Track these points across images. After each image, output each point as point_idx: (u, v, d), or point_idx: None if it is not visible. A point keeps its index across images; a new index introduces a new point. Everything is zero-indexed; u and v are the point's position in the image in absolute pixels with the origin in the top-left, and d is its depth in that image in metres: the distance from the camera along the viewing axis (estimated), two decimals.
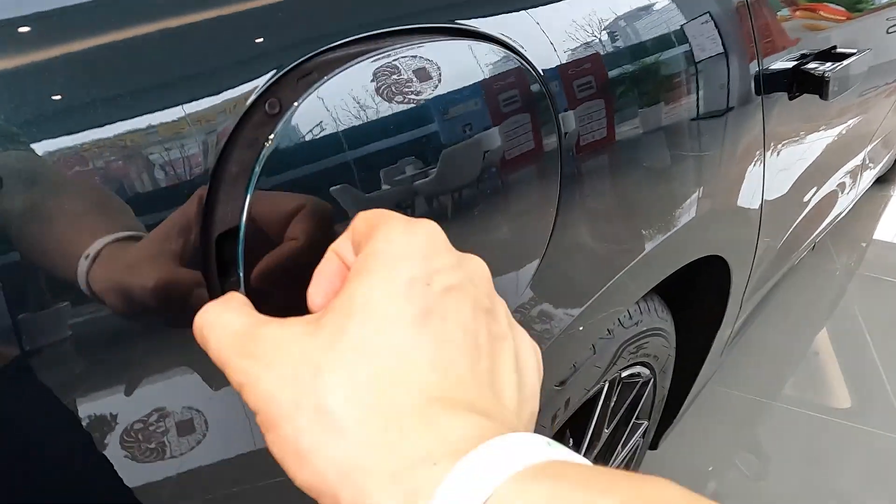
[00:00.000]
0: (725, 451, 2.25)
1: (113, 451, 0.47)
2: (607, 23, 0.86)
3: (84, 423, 0.46)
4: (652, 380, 1.58)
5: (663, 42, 0.97)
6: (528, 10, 0.76)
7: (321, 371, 0.34)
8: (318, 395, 0.33)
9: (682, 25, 1.02)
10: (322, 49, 0.55)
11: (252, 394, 0.35)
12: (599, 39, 0.83)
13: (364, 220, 0.40)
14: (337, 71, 0.54)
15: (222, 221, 0.51)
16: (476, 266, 0.41)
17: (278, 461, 0.35)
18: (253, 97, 0.51)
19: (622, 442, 1.64)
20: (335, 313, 0.36)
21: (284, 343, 0.36)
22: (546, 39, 0.76)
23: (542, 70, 0.75)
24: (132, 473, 0.49)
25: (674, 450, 2.08)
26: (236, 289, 0.47)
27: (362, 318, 0.35)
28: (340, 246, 0.42)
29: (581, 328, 1.00)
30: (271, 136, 0.52)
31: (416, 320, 0.35)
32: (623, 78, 0.87)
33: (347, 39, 0.56)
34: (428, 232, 0.39)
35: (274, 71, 0.52)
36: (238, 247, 0.48)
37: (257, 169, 0.52)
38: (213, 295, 0.48)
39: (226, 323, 0.38)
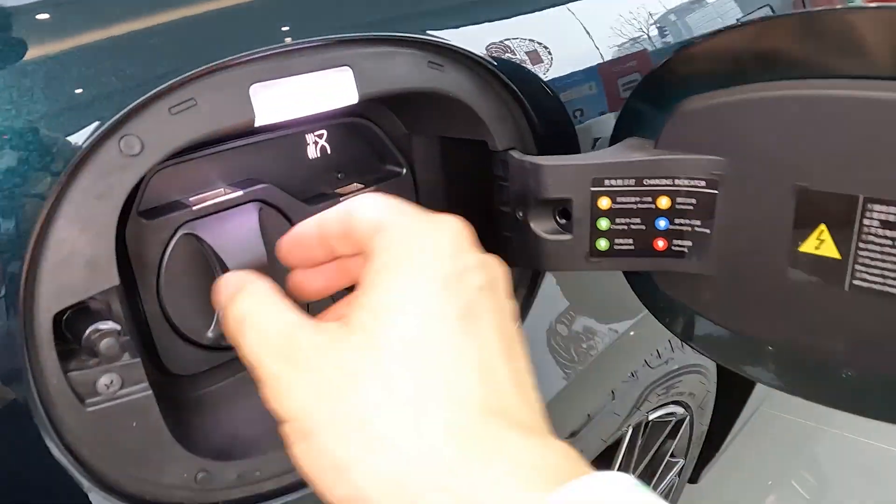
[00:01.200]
0: (779, 478, 2.07)
1: None
2: (657, 17, 0.76)
3: None
4: (688, 418, 1.42)
5: None
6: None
7: (360, 378, 0.32)
8: (358, 406, 0.32)
9: (738, 20, 0.92)
10: (206, 68, 0.42)
11: (284, 401, 0.34)
12: (647, 35, 0.73)
13: (377, 210, 0.37)
14: None
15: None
16: (497, 264, 0.39)
17: (307, 475, 0.33)
18: (94, 133, 0.38)
19: (653, 483, 1.48)
20: (366, 311, 0.34)
21: (320, 348, 0.34)
22: (586, 36, 0.65)
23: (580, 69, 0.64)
24: None
25: (718, 480, 1.91)
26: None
27: (400, 318, 0.33)
28: (325, 222, 0.40)
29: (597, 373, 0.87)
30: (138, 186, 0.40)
31: (458, 320, 0.34)
32: None
33: (244, 56, 0.43)
34: (454, 228, 0.37)
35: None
36: None
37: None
38: None
39: (265, 321, 0.36)
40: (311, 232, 0.41)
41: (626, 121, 0.63)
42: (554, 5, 0.67)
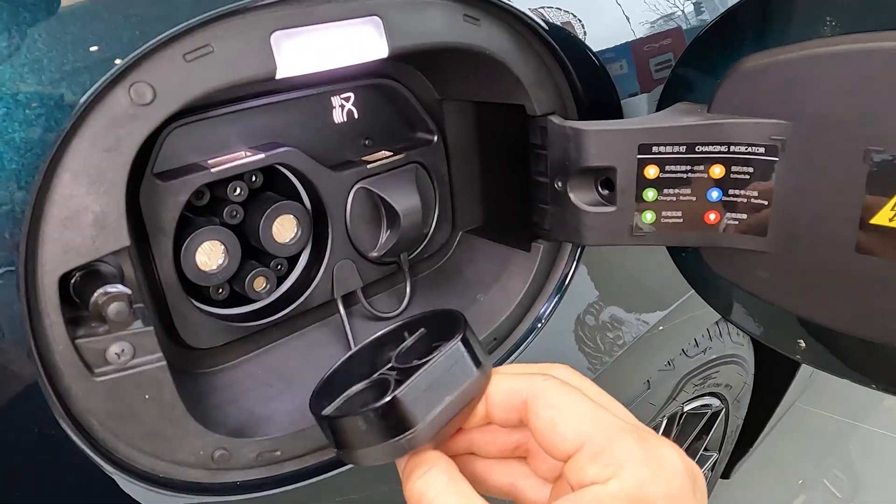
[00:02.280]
0: (812, 476, 2.00)
1: None
2: None
3: None
4: (724, 410, 1.36)
5: None
6: None
7: None
8: None
9: None
10: (224, 10, 0.38)
11: None
12: (682, 11, 0.68)
13: (577, 421, 0.35)
14: None
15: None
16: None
17: None
18: (104, 79, 0.35)
19: None
20: None
21: None
22: (619, 11, 0.61)
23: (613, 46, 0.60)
24: None
25: (749, 476, 1.86)
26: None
27: None
28: (495, 397, 0.38)
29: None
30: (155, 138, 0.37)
31: None
32: None
33: (266, 0, 0.40)
34: (680, 468, 0.33)
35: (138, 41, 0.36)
36: None
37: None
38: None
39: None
40: (508, 408, 0.38)
41: (674, 86, 0.58)
42: None
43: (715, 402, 1.31)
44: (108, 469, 0.40)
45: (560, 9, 0.57)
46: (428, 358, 0.36)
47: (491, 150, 0.64)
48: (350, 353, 0.44)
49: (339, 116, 0.57)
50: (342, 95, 0.56)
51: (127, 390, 0.40)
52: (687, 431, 1.32)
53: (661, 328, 0.82)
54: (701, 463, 1.46)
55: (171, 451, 0.43)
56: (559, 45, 0.54)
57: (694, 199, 0.54)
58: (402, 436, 0.35)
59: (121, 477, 0.41)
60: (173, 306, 0.49)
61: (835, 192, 0.49)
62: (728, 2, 0.79)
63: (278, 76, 0.42)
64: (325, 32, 0.43)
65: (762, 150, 0.51)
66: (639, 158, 0.54)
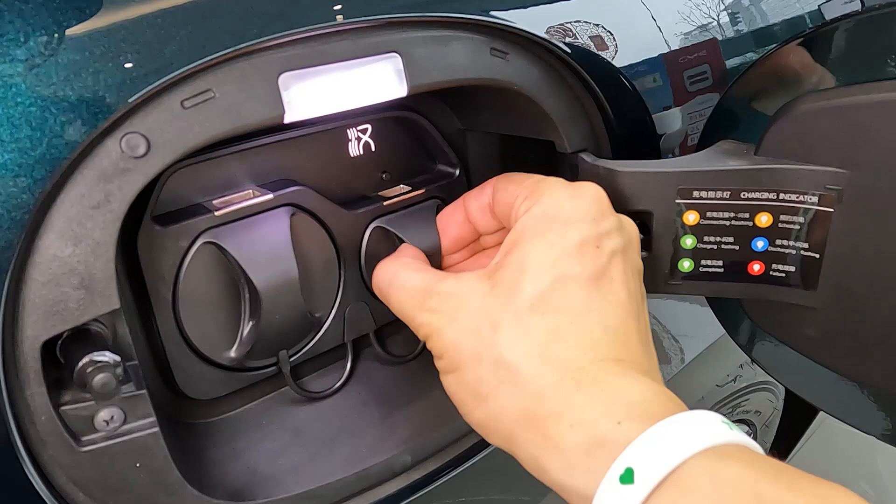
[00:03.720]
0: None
1: None
2: (728, 2, 0.67)
3: None
4: (752, 436, 1.31)
5: (795, 25, 0.75)
6: None
7: (500, 327, 0.37)
8: (497, 349, 0.37)
9: (819, 6, 0.81)
10: (225, 52, 0.35)
11: (438, 342, 0.40)
12: (718, 22, 0.64)
13: (519, 182, 0.43)
14: None
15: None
16: (632, 228, 0.44)
17: (453, 399, 0.40)
18: (93, 132, 0.32)
19: None
20: (510, 270, 0.39)
21: (464, 298, 0.39)
22: (651, 22, 0.57)
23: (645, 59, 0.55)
24: None
25: None
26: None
27: (538, 277, 0.38)
28: (469, 201, 0.48)
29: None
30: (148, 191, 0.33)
31: (589, 281, 0.38)
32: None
33: (272, 39, 0.36)
34: (593, 195, 0.41)
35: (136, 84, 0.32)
36: None
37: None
38: None
39: (405, 281, 0.43)
40: (456, 212, 0.49)
41: (719, 121, 0.54)
42: None
43: (744, 428, 1.26)
44: None
45: (589, 22, 0.53)
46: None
47: None
48: None
49: (354, 150, 0.53)
50: (359, 128, 0.53)
51: (116, 459, 0.37)
52: None
53: (693, 368, 0.77)
54: None
55: None
56: (594, 78, 0.50)
57: (737, 248, 0.50)
58: None
59: None
60: (172, 358, 0.46)
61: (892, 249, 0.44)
62: (767, 12, 0.75)
63: (286, 121, 0.38)
64: (337, 73, 0.39)
65: (815, 199, 0.47)
66: (677, 203, 0.49)
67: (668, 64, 0.59)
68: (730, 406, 1.09)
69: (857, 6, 0.75)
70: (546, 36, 0.46)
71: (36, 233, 0.32)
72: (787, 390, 1.30)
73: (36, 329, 0.33)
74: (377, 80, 0.41)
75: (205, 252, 0.44)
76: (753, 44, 0.68)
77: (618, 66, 0.53)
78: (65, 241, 0.33)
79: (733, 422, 1.13)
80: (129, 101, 0.32)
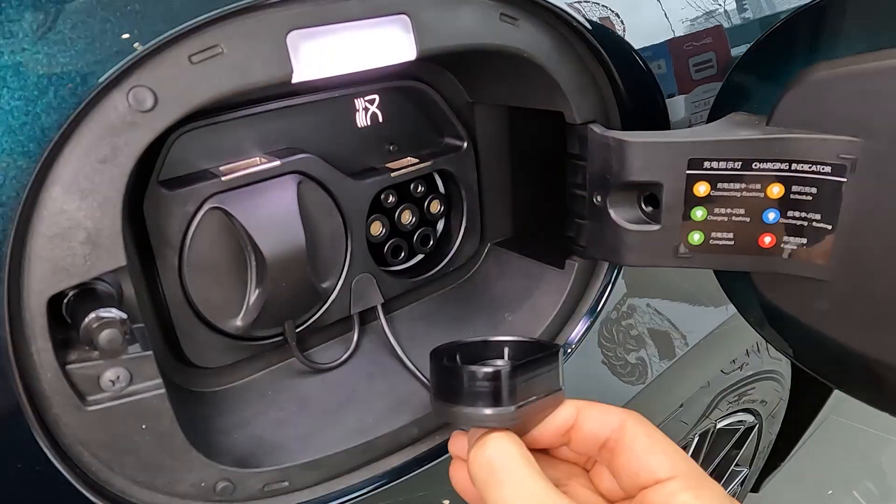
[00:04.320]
0: (841, 487, 1.94)
1: None
2: None
3: None
4: (757, 426, 1.31)
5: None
6: None
7: None
8: None
9: None
10: (235, 6, 0.34)
11: None
12: (724, 9, 0.63)
13: (665, 453, 0.39)
14: None
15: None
16: None
17: None
18: (99, 82, 0.31)
19: None
20: None
21: None
22: (657, 6, 0.56)
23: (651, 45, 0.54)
24: None
25: (778, 487, 1.80)
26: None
27: None
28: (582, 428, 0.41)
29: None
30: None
31: None
32: None
33: None
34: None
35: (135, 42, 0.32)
36: None
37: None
38: None
39: (522, 480, 0.36)
40: (591, 436, 0.41)
41: (729, 93, 0.53)
42: None
43: (749, 418, 1.25)
44: None
45: (598, 3, 0.53)
46: (532, 358, 0.40)
47: (524, 158, 0.59)
48: (465, 340, 0.45)
49: (362, 120, 0.53)
50: (366, 98, 0.52)
51: (122, 419, 0.37)
52: (718, 448, 1.27)
53: (698, 350, 0.77)
54: (731, 479, 1.40)
55: (170, 484, 0.40)
56: (604, 47, 0.49)
57: (748, 220, 0.49)
58: (496, 408, 0.38)
59: None
60: (178, 324, 0.45)
61: None
62: (774, 1, 0.74)
63: (294, 80, 0.38)
64: (346, 32, 0.39)
65: (828, 168, 0.46)
66: (688, 174, 0.49)
67: (672, 50, 0.59)
68: (735, 394, 1.08)
69: None
70: (557, 2, 0.46)
71: (42, 185, 0.32)
72: (793, 380, 1.29)
73: (42, 283, 0.33)
74: (386, 41, 0.40)
75: (211, 217, 0.44)
76: (760, 32, 0.67)
77: (622, 35, 0.52)
78: (72, 195, 0.32)
79: (738, 411, 1.11)
80: (137, 52, 0.32)
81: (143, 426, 0.38)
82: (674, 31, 0.59)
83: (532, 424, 0.41)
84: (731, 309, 0.60)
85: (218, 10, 0.34)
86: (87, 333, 0.34)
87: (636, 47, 0.54)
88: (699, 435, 1.12)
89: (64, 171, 0.32)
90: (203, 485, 0.41)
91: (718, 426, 1.16)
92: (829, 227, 0.47)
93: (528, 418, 0.40)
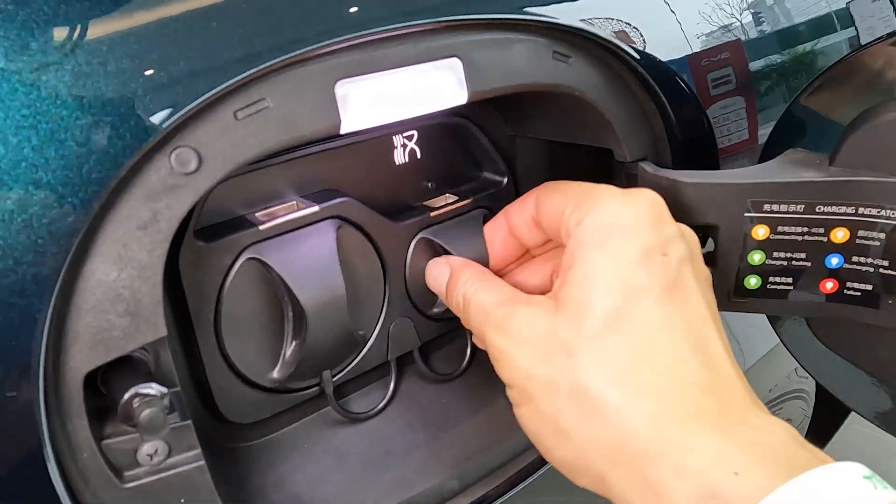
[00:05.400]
0: None
1: None
2: (751, 1, 0.64)
3: None
4: None
5: (821, 25, 0.72)
6: None
7: (575, 351, 0.34)
8: (575, 376, 0.33)
9: (847, 3, 0.78)
10: (282, 59, 0.32)
11: (507, 368, 0.37)
12: (741, 22, 0.61)
13: (564, 193, 0.40)
14: None
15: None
16: (692, 236, 0.40)
17: (530, 435, 0.37)
18: (142, 147, 0.29)
19: None
20: (574, 287, 0.35)
21: (533, 321, 0.36)
22: (675, 22, 0.54)
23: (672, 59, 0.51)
24: None
25: None
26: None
27: (607, 292, 0.34)
28: (512, 215, 0.45)
29: None
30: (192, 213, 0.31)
31: (663, 294, 0.35)
32: (769, 70, 0.62)
33: (330, 44, 0.33)
34: (650, 200, 0.38)
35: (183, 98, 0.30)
36: None
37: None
38: None
39: (482, 299, 0.40)
40: (499, 230, 0.46)
41: (787, 128, 0.51)
42: None
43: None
44: None
45: (612, 18, 0.50)
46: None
47: None
48: None
49: (400, 157, 0.50)
50: (405, 134, 0.50)
51: (160, 495, 0.35)
52: None
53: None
54: None
55: None
56: (658, 84, 0.47)
57: (809, 264, 0.47)
58: None
59: None
60: (213, 381, 0.43)
61: None
62: (791, 13, 0.72)
63: (343, 131, 0.35)
64: (395, 79, 0.36)
65: None
66: (746, 216, 0.46)
67: (691, 66, 0.56)
68: None
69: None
70: (613, 38, 0.43)
71: (81, 258, 0.29)
72: (816, 397, 1.27)
73: (79, 360, 0.30)
74: (436, 86, 0.38)
75: (248, 268, 0.42)
76: (778, 45, 0.65)
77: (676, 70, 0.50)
78: (110, 265, 0.30)
79: None
80: (181, 112, 0.30)
81: (182, 500, 0.35)
82: (691, 47, 0.57)
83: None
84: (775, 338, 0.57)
85: (266, 64, 0.31)
86: (125, 411, 0.31)
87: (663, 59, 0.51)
88: None
89: (102, 242, 0.30)
90: None
91: None
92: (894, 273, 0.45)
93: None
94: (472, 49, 0.39)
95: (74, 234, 0.28)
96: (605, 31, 0.45)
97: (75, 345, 0.30)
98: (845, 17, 0.74)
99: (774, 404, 1.07)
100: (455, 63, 0.38)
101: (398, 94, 0.37)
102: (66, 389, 0.31)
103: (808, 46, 0.68)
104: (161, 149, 0.30)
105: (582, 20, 0.43)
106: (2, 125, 0.26)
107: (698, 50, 0.55)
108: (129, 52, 0.29)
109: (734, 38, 0.59)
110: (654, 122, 0.49)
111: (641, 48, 0.48)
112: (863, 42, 0.79)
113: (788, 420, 1.21)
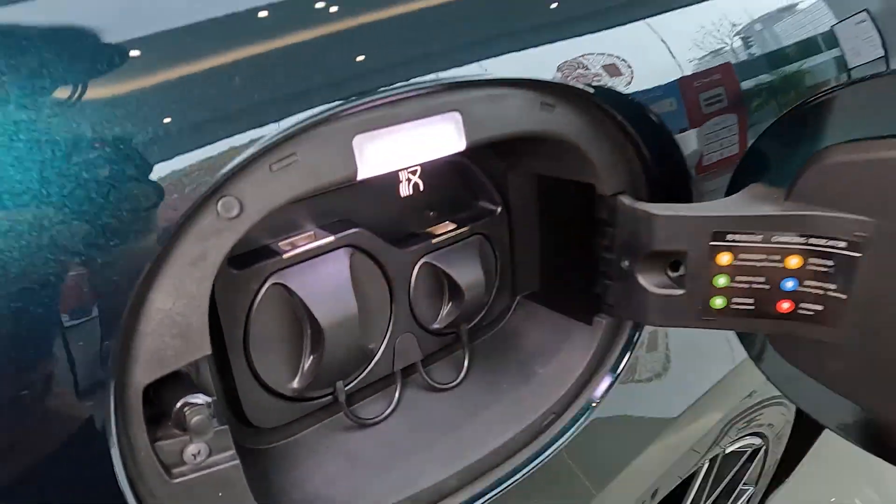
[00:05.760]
0: (843, 495, 1.97)
1: None
2: (740, 27, 0.70)
3: None
4: (764, 447, 1.34)
5: (808, 46, 0.78)
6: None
7: None
8: None
9: (832, 27, 0.84)
10: (309, 119, 0.38)
11: None
12: (731, 47, 0.66)
13: None
14: None
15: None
16: None
17: None
18: (194, 197, 0.35)
19: None
20: None
21: None
22: (665, 50, 0.59)
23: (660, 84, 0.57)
24: None
25: (781, 495, 1.82)
26: None
27: None
28: None
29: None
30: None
31: None
32: (759, 89, 0.69)
33: (349, 106, 0.39)
34: None
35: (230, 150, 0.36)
36: None
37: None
38: None
39: None
40: None
41: (751, 164, 0.57)
42: (631, 21, 0.60)
43: (756, 440, 1.29)
44: None
45: (604, 53, 0.56)
46: None
47: (553, 221, 0.63)
48: None
49: (405, 190, 0.56)
50: (409, 170, 0.56)
51: (202, 490, 0.40)
52: (726, 470, 1.30)
53: (712, 394, 0.80)
54: (738, 497, 1.44)
55: None
56: (633, 126, 0.53)
57: (768, 287, 0.53)
58: None
59: None
60: (242, 390, 0.49)
61: None
62: (780, 36, 0.78)
63: (358, 178, 0.41)
64: (404, 132, 0.42)
65: (843, 244, 0.50)
66: (711, 245, 0.52)
67: (683, 88, 0.62)
68: (745, 420, 1.12)
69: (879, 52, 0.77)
70: (592, 90, 0.49)
71: (145, 291, 0.35)
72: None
73: (140, 375, 0.36)
74: (439, 136, 0.44)
75: (273, 292, 0.48)
76: (767, 66, 0.71)
77: (634, 91, 0.55)
78: (167, 296, 0.36)
79: (746, 435, 1.14)
80: (229, 167, 0.35)
81: (220, 493, 0.41)
82: (682, 71, 0.63)
83: None
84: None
85: (297, 124, 0.37)
86: (178, 418, 0.37)
87: (643, 88, 0.56)
88: (709, 460, 1.15)
89: (162, 276, 0.36)
90: None
91: (727, 451, 1.20)
92: (844, 297, 0.51)
93: None
94: (471, 103, 0.45)
95: (140, 272, 0.34)
96: (595, 66, 0.50)
97: (137, 363, 0.36)
98: (830, 40, 0.80)
99: (755, 409, 1.12)
100: (456, 116, 0.44)
101: (406, 145, 0.43)
102: (129, 400, 0.36)
103: (795, 66, 0.75)
104: (210, 198, 0.36)
105: (575, 58, 0.49)
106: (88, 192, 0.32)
107: (690, 73, 0.61)
108: (187, 120, 0.35)
109: (725, 62, 0.65)
110: (632, 160, 0.56)
111: (629, 79, 0.54)
112: (849, 63, 0.85)
113: (770, 426, 1.27)
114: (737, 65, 0.68)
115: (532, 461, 0.58)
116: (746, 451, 1.29)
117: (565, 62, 0.51)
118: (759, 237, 0.52)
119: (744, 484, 1.43)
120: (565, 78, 0.48)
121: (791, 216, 0.51)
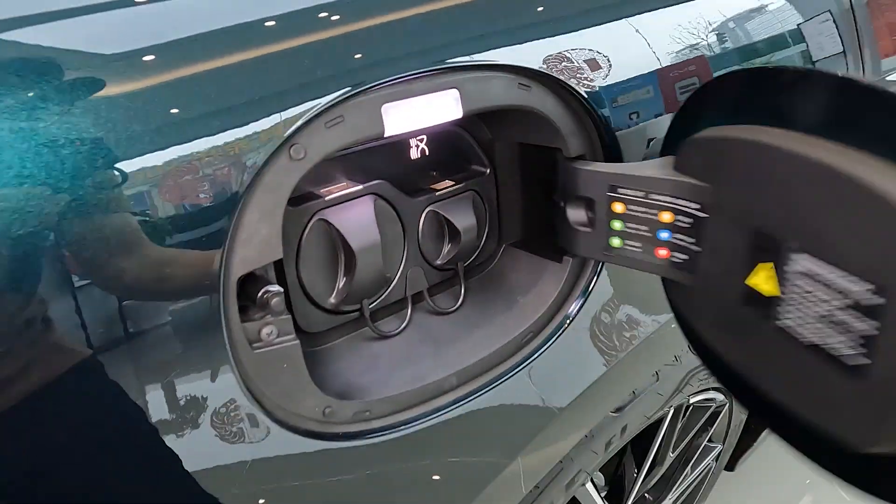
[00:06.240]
0: (820, 474, 2.06)
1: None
2: (715, 25, 0.82)
3: None
4: (727, 405, 1.49)
5: (777, 42, 0.92)
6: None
7: None
8: None
9: (798, 25, 0.98)
10: (352, 91, 0.54)
11: None
12: (707, 42, 0.79)
13: None
14: None
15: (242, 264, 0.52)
16: None
17: None
18: (277, 141, 0.51)
19: (691, 464, 1.56)
20: None
21: None
22: (645, 45, 0.73)
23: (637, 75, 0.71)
24: None
25: (755, 471, 1.93)
26: None
27: None
28: None
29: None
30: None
31: None
32: None
33: (379, 82, 0.55)
34: None
35: (300, 112, 0.51)
36: None
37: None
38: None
39: None
40: None
41: (669, 138, 0.71)
42: (614, 19, 0.73)
43: (719, 396, 1.43)
44: (262, 417, 0.56)
45: (585, 48, 0.71)
46: None
47: (531, 180, 0.79)
48: None
49: (414, 154, 0.72)
50: (418, 138, 0.72)
51: (272, 361, 0.56)
52: (692, 423, 1.45)
53: (672, 326, 0.96)
54: (705, 453, 1.57)
55: (297, 406, 0.59)
56: (592, 103, 0.69)
57: (650, 235, 0.65)
58: None
59: (268, 419, 0.56)
60: (293, 301, 0.64)
61: (734, 253, 0.57)
62: (750, 31, 0.89)
63: (385, 135, 0.57)
64: (418, 102, 0.58)
65: (698, 206, 0.61)
66: (608, 195, 0.67)
67: (660, 78, 0.76)
68: (705, 372, 1.26)
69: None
70: (557, 75, 0.66)
71: (243, 211, 0.51)
72: None
73: (237, 269, 0.52)
74: (442, 107, 0.60)
75: (318, 225, 0.63)
76: (738, 58, 0.83)
77: (606, 85, 0.70)
78: (254, 214, 0.51)
79: (708, 389, 1.28)
80: (297, 124, 0.51)
81: (285, 365, 0.57)
82: (660, 62, 0.77)
83: None
84: None
85: (345, 92, 0.53)
86: (263, 301, 0.53)
87: (623, 78, 0.69)
88: (675, 408, 1.30)
89: (252, 200, 0.51)
90: (316, 409, 0.60)
91: (692, 402, 1.35)
92: (699, 249, 0.62)
93: None
94: (466, 83, 0.61)
95: (239, 196, 0.50)
96: (577, 60, 0.66)
97: (235, 260, 0.52)
98: (797, 36, 0.93)
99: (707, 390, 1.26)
100: (455, 92, 0.60)
101: (419, 112, 0.59)
102: (229, 289, 0.52)
103: (765, 59, 0.87)
104: (284, 145, 0.52)
105: (559, 52, 0.64)
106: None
107: (667, 64, 0.74)
108: (273, 89, 0.50)
109: (699, 55, 0.78)
110: (591, 130, 0.72)
111: (607, 71, 0.69)
112: (813, 56, 0.96)
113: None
114: (710, 58, 0.81)
115: (514, 369, 0.74)
116: (710, 406, 1.44)
117: (550, 55, 0.66)
118: (642, 193, 0.65)
119: (710, 441, 1.57)
120: (549, 68, 0.64)
121: (665, 180, 0.63)
